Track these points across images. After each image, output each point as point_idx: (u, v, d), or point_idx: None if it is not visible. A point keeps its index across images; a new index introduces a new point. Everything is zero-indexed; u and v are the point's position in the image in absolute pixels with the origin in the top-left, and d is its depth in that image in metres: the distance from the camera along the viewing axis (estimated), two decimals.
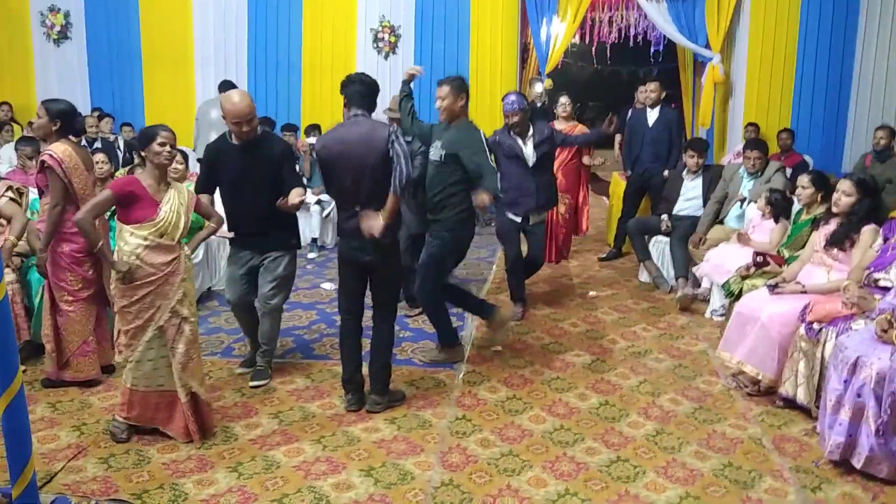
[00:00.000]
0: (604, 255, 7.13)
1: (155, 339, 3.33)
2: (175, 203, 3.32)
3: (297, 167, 7.31)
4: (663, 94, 6.75)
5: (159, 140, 3.28)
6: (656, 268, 6.13)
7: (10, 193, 4.51)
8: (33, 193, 5.07)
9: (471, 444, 3.45)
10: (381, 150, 3.51)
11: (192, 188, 3.52)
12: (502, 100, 5.21)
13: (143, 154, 3.33)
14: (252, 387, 4.04)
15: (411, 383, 4.13)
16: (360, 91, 3.66)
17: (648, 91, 6.74)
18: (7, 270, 4.11)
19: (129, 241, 3.23)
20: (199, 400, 3.42)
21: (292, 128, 7.93)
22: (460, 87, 4.27)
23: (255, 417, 3.69)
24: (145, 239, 3.23)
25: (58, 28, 9.05)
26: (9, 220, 4.39)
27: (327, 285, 5.99)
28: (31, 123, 8.21)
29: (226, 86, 6.64)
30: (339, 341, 3.91)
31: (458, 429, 3.60)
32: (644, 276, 6.26)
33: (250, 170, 3.80)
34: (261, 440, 3.46)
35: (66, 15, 9.01)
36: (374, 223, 3.50)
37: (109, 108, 8.75)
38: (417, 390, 4.04)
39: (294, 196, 3.72)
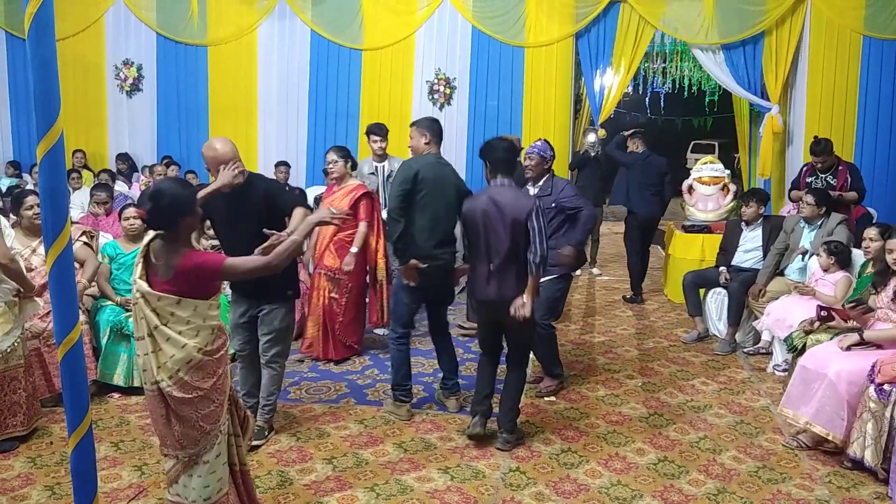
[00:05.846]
0: (628, 297, 7.40)
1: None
2: None
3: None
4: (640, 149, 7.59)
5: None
6: (706, 327, 6.04)
7: (83, 238, 4.72)
8: (104, 238, 5.32)
9: (525, 497, 3.40)
10: (520, 222, 3.72)
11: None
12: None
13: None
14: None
15: (463, 432, 4.09)
16: (505, 159, 3.88)
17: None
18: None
19: (211, 315, 2.73)
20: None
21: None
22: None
23: (309, 462, 3.71)
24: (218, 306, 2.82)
25: (131, 80, 9.55)
26: (81, 264, 4.59)
27: (380, 331, 6.03)
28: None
29: (374, 129, 6.15)
30: (476, 369, 4.13)
31: (512, 481, 3.55)
32: (692, 335, 5.98)
33: (237, 218, 3.67)
34: (315, 486, 3.47)
35: (139, 68, 9.52)
36: (522, 307, 3.71)
37: (176, 156, 9.13)
38: (470, 440, 4.00)
39: (296, 217, 3.61)
